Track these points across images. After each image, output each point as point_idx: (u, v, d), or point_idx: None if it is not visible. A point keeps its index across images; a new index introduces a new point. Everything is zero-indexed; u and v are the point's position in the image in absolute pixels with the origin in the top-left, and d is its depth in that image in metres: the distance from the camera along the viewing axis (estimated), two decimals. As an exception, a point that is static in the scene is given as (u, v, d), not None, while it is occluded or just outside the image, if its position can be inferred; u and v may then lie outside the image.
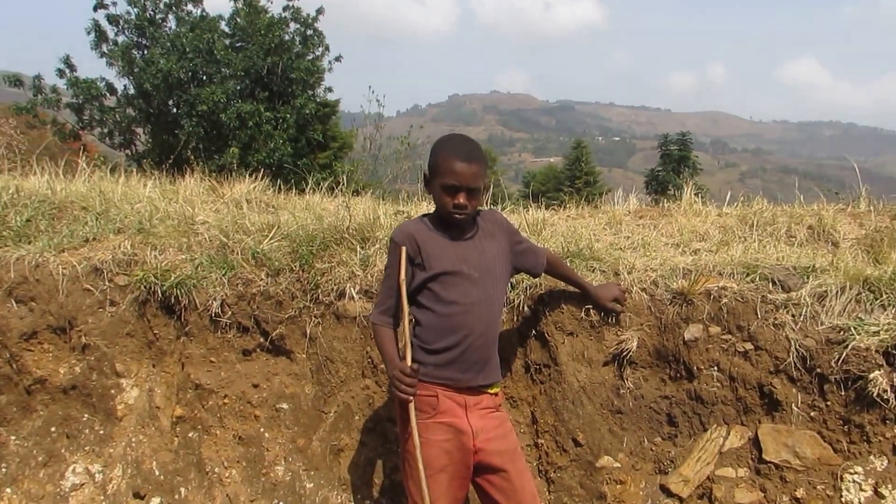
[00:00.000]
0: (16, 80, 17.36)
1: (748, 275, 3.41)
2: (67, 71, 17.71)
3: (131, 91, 17.98)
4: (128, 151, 18.27)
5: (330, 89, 20.09)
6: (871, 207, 4.20)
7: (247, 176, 5.61)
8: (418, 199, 5.18)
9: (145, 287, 4.19)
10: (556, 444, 3.57)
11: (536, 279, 3.51)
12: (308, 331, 3.95)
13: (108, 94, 18.01)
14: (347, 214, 4.20)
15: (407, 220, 3.13)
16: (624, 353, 3.45)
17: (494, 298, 3.02)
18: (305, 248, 4.09)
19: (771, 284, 3.35)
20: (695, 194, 4.78)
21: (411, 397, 2.76)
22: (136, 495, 4.13)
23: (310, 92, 18.59)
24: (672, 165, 30.91)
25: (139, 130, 18.52)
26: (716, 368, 3.35)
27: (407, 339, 2.86)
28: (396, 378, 2.77)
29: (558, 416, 3.55)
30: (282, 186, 5.67)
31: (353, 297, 3.88)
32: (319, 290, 3.95)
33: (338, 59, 19.63)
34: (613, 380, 3.50)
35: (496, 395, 3.04)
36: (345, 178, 5.05)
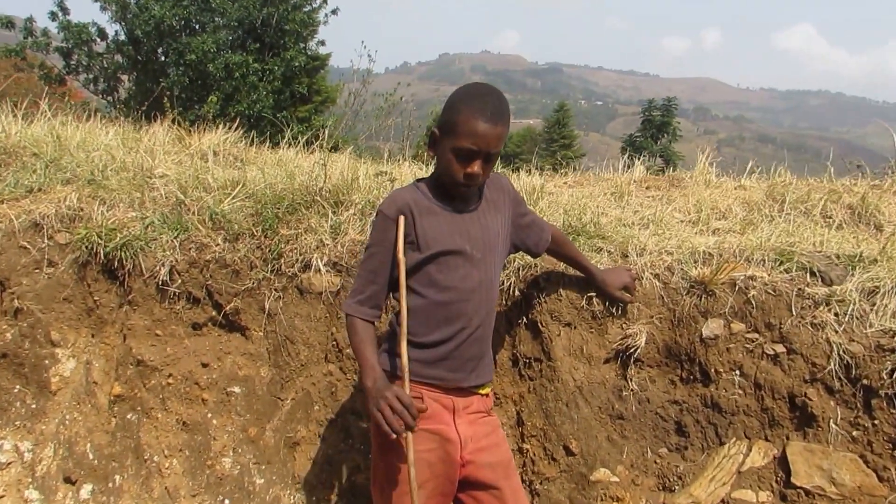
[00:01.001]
0: (8, 23, 16.58)
1: (781, 263, 2.80)
2: (60, 14, 16.91)
3: (122, 37, 17.15)
4: (110, 98, 17.49)
5: (322, 42, 19.23)
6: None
7: (220, 126, 4.97)
8: (401, 158, 4.55)
9: (87, 247, 3.59)
10: (544, 451, 2.98)
11: (535, 259, 2.92)
12: (267, 306, 3.35)
13: (98, 40, 17.19)
14: (323, 173, 3.58)
15: (398, 188, 2.49)
16: (630, 350, 2.85)
17: (494, 283, 2.44)
18: (270, 211, 3.49)
19: (809, 275, 2.75)
20: (663, 159, 4.19)
21: (406, 433, 2.15)
22: (67, 480, 3.56)
23: (301, 44, 17.75)
24: (652, 132, 30.04)
25: (124, 77, 17.73)
26: (738, 372, 2.75)
27: (404, 354, 2.25)
28: (389, 405, 2.12)
29: (548, 418, 2.96)
30: (255, 139, 5.03)
31: (319, 270, 3.28)
32: (282, 260, 3.36)
33: (334, 11, 18.66)
34: (615, 380, 2.91)
35: (487, 396, 2.47)
36: (325, 131, 4.39)
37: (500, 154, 2.33)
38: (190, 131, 4.92)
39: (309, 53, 18.22)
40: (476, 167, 2.25)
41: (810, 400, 2.63)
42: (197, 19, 16.50)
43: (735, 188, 3.68)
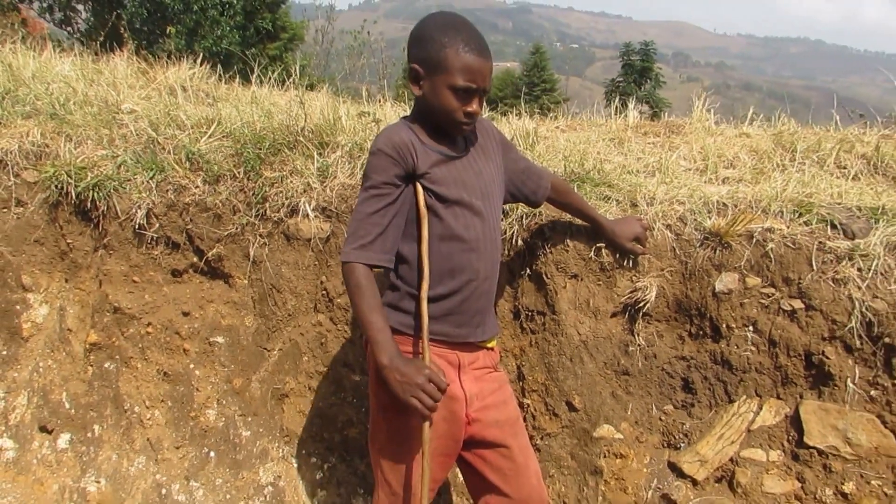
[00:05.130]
0: None
1: (800, 214, 2.52)
2: None
3: (68, -39, 15.74)
4: (69, 29, 16.16)
5: None
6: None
7: (184, 61, 4.48)
8: (381, 99, 4.12)
9: (57, 186, 3.19)
10: (545, 406, 2.72)
11: (535, 209, 2.60)
12: (251, 252, 3.00)
13: None
14: (302, 112, 3.19)
15: (390, 124, 2.14)
16: (638, 304, 2.57)
17: (497, 232, 2.15)
18: (252, 151, 3.10)
19: (830, 228, 2.48)
20: (649, 105, 3.87)
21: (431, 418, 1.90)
22: (43, 429, 3.24)
23: (255, -25, 16.59)
24: (633, 77, 28.71)
25: (80, 7, 16.33)
26: (751, 328, 2.50)
27: (425, 324, 1.97)
28: (425, 392, 1.85)
29: (551, 373, 2.69)
30: (223, 76, 4.54)
31: (307, 215, 2.93)
32: (267, 204, 2.99)
33: None
34: (622, 334, 2.64)
35: (493, 350, 2.21)
36: (297, 68, 3.97)
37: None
38: (152, 65, 4.43)
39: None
40: (475, 105, 1.99)
41: (828, 358, 2.39)
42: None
43: (737, 136, 3.37)
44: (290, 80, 3.94)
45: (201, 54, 4.86)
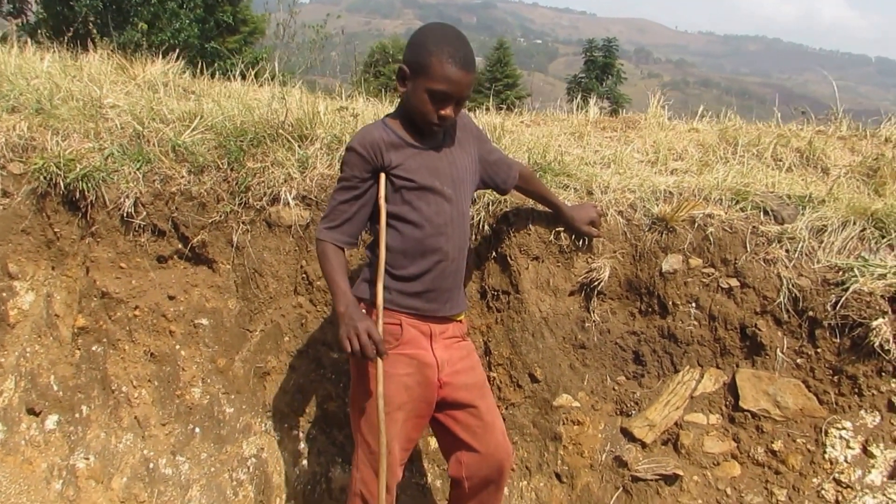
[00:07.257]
0: None
1: (737, 202, 2.92)
2: None
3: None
4: (18, 22, 15.98)
5: None
6: (866, 132, 3.72)
7: (151, 56, 4.77)
8: (356, 94, 4.48)
9: (45, 178, 3.48)
10: (510, 378, 3.09)
11: (503, 196, 2.97)
12: (235, 239, 3.33)
13: None
14: (284, 107, 3.52)
15: (368, 124, 2.53)
16: (593, 283, 2.95)
17: (466, 217, 2.52)
18: (234, 144, 3.42)
19: (762, 214, 2.87)
20: (610, 101, 4.29)
21: (377, 362, 2.27)
22: (31, 411, 3.53)
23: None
24: (596, 73, 29.23)
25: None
26: (694, 305, 2.89)
27: (380, 292, 2.33)
28: (357, 336, 2.23)
29: (515, 348, 3.06)
30: (194, 71, 4.84)
31: (288, 203, 3.26)
32: (250, 193, 3.31)
33: None
34: (579, 311, 3.01)
35: (461, 322, 2.57)
36: (275, 64, 4.29)
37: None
38: (130, 60, 4.73)
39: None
40: (449, 110, 2.32)
41: (760, 330, 2.79)
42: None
43: (688, 131, 3.78)
44: (266, 76, 4.26)
45: (161, 49, 5.13)
